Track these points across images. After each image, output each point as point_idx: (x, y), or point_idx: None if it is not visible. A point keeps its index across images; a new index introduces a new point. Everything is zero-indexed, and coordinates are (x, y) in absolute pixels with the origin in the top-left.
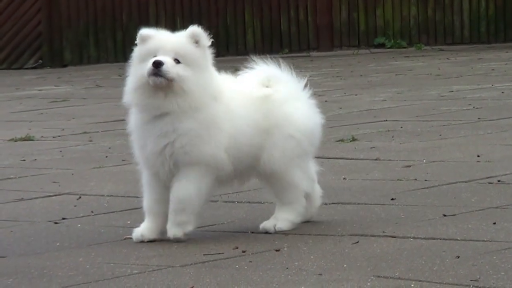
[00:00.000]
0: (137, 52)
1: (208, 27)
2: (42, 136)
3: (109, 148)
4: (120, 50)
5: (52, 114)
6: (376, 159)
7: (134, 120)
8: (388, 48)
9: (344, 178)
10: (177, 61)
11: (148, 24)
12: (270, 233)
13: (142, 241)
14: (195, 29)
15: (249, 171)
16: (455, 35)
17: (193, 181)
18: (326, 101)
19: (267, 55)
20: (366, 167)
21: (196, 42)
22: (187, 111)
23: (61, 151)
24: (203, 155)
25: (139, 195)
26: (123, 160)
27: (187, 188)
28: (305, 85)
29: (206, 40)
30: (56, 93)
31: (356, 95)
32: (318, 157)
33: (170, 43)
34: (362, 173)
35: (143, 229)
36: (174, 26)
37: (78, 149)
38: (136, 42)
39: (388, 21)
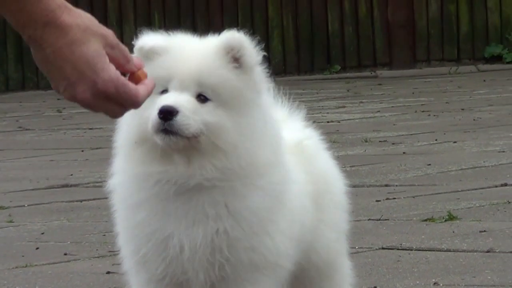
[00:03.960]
0: None
1: (206, 28)
2: None
3: (42, 233)
4: None
5: None
6: (488, 251)
7: (130, 186)
8: (508, 62)
9: (435, 283)
10: (202, 98)
11: (105, 24)
12: None
13: None
14: (232, 38)
15: None
16: None
17: None
18: (404, 152)
19: (305, 74)
20: (473, 265)
21: (236, 60)
22: (245, 176)
23: None
24: (277, 250)
25: None
26: (65, 254)
27: None
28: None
29: (252, 55)
30: None
31: (454, 142)
32: (390, 248)
33: (190, 67)
34: (465, 275)
35: None
36: (148, 25)
37: None
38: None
39: (508, 18)
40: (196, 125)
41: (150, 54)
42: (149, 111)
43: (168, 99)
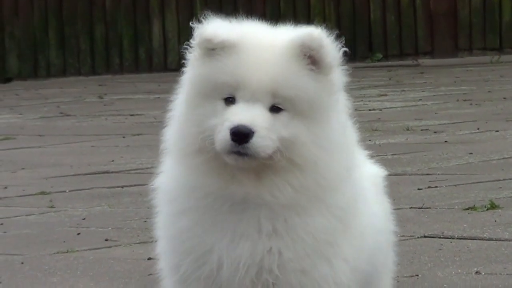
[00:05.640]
0: (196, 76)
1: (247, 15)
2: None
3: (83, 219)
4: (101, 55)
5: None
6: None
7: (179, 191)
8: None
9: (477, 272)
10: (275, 108)
11: (147, 12)
12: None
13: None
14: (310, 37)
15: None
16: None
17: None
18: (446, 141)
19: (347, 62)
20: None
21: (313, 61)
22: (318, 193)
23: (2, 225)
24: (335, 280)
25: None
26: (106, 240)
27: None
28: None
29: (333, 54)
30: None
31: (496, 131)
32: (432, 236)
33: (264, 77)
34: (508, 264)
35: None
36: (190, 13)
37: (30, 221)
38: (193, 45)
39: None
40: (273, 144)
41: (217, 48)
42: (213, 122)
43: (241, 117)
